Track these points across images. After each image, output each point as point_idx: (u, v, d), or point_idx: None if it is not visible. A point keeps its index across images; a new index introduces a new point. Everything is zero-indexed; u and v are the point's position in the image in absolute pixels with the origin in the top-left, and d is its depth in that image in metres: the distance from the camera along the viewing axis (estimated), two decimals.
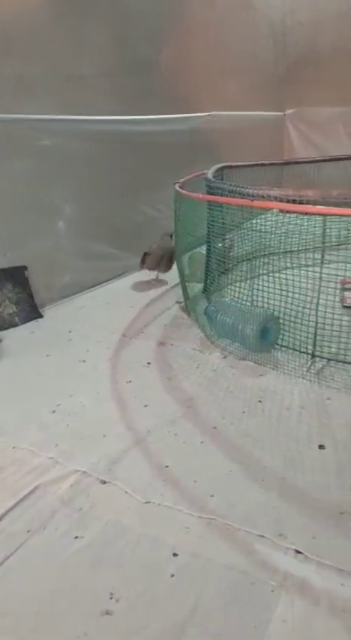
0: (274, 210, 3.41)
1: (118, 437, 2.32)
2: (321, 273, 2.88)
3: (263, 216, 3.95)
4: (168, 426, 2.39)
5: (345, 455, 2.13)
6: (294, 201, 2.77)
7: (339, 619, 1.45)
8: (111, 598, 1.53)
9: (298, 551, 1.67)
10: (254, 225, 3.90)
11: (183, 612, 1.48)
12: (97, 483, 2.02)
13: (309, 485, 1.98)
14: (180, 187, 3.59)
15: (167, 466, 2.11)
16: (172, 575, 1.60)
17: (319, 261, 3.05)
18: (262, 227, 3.89)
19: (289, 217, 3.56)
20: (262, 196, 2.82)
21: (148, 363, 3.00)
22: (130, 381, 2.80)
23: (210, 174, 3.67)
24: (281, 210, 3.09)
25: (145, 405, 2.57)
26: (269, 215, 3.75)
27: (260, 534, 1.74)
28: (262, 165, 4.91)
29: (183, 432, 2.35)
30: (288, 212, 3.23)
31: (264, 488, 1.97)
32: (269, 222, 3.76)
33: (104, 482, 2.02)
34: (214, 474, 2.05)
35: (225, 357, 3.06)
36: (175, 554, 1.67)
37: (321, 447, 2.21)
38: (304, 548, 1.67)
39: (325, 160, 5.66)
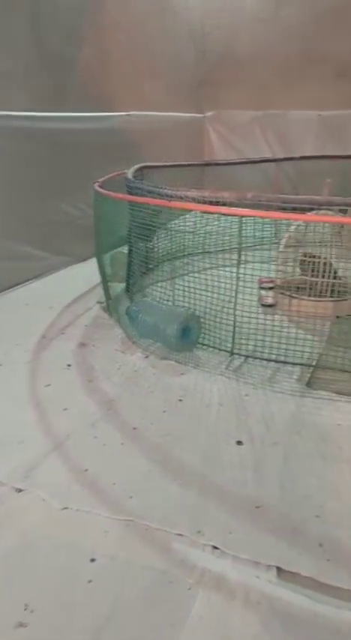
0: (197, 212, 3.47)
1: (35, 442, 2.25)
2: (238, 273, 2.95)
3: (183, 217, 4.00)
4: (88, 429, 2.35)
5: (261, 450, 2.19)
6: (210, 203, 2.83)
7: (254, 611, 1.48)
8: (25, 609, 1.49)
9: (215, 547, 1.69)
10: (175, 225, 3.95)
11: (100, 618, 1.46)
12: (12, 492, 1.95)
13: (227, 481, 2.02)
14: (100, 187, 3.55)
15: (86, 470, 2.08)
16: (90, 581, 1.58)
17: (237, 262, 3.13)
18: (183, 227, 3.95)
19: (208, 218, 3.62)
20: (180, 197, 2.85)
21: (69, 365, 2.95)
22: (49, 385, 2.74)
23: (130, 174, 3.67)
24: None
25: (65, 409, 2.52)
26: (188, 216, 3.81)
27: (178, 533, 1.75)
28: (182, 166, 4.96)
29: (103, 434, 2.32)
30: (206, 213, 3.30)
31: (183, 486, 1.99)
32: (189, 223, 3.83)
33: (20, 491, 1.96)
34: (134, 475, 2.05)
35: (147, 357, 3.06)
36: (92, 560, 1.65)
37: (239, 442, 2.26)
38: (221, 544, 1.70)
39: (243, 163, 5.81)
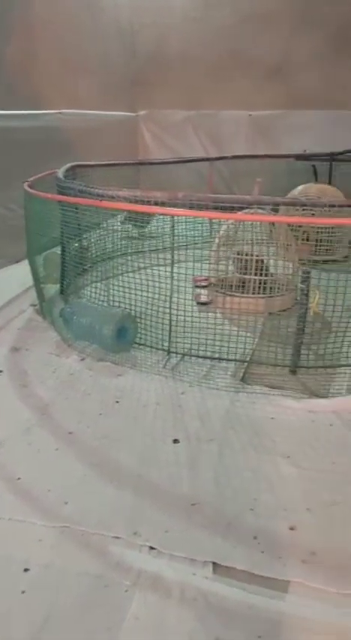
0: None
1: None
2: (172, 272, 2.96)
3: (119, 217, 3.98)
4: (21, 436, 2.30)
5: (197, 447, 2.21)
6: (142, 202, 2.82)
7: (190, 608, 1.49)
8: None
9: (151, 548, 1.70)
10: (110, 225, 3.93)
11: (35, 627, 1.43)
12: None
13: (163, 480, 2.02)
14: (29, 186, 3.47)
15: (19, 478, 2.03)
16: (23, 592, 1.54)
17: (174, 261, 3.15)
18: (118, 227, 3.93)
19: (139, 218, 3.62)
20: (111, 197, 2.83)
21: (0, 371, 2.86)
22: None
23: (60, 173, 3.60)
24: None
25: None
26: (121, 216, 3.79)
27: (115, 536, 1.74)
28: (115, 165, 4.93)
29: (37, 440, 2.27)
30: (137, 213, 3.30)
31: (119, 488, 1.98)
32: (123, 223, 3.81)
33: None
34: (69, 481, 2.01)
35: (82, 360, 3.02)
36: (26, 570, 1.61)
37: (175, 441, 2.27)
38: (157, 544, 1.70)
39: (176, 162, 5.84)
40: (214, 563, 1.63)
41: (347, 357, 2.87)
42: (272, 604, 1.49)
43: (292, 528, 1.77)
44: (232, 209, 2.92)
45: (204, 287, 3.82)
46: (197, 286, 3.79)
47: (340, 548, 1.68)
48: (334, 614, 1.45)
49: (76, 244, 3.77)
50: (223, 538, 1.73)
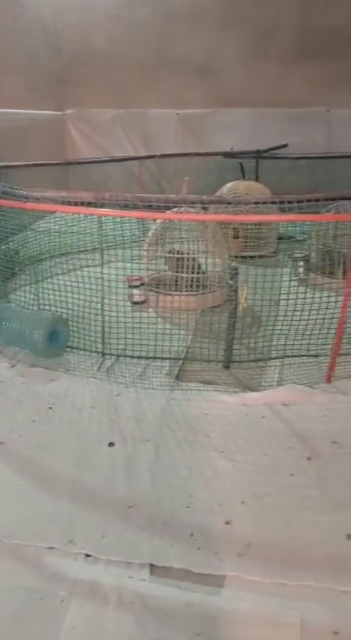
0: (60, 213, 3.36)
1: None
2: (102, 273, 2.93)
3: (47, 219, 3.90)
4: None
5: (132, 448, 2.21)
6: (69, 203, 2.77)
7: (128, 612, 1.49)
8: None
9: (87, 555, 1.67)
10: (39, 227, 3.84)
11: None
12: None
13: (99, 484, 2.00)
14: None
15: None
16: None
17: (104, 261, 3.12)
18: (47, 229, 3.85)
19: (70, 219, 3.56)
20: (36, 198, 2.76)
21: None
22: None
23: None
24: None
25: None
26: (51, 217, 3.72)
27: (49, 546, 1.70)
28: (42, 165, 4.82)
29: None
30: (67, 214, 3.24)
31: (55, 496, 1.94)
32: (50, 224, 3.73)
33: None
34: (2, 493, 1.96)
35: (13, 366, 2.94)
36: None
37: (111, 444, 2.25)
38: (93, 550, 1.68)
39: (104, 161, 5.79)
40: (151, 565, 1.63)
41: (277, 350, 2.94)
42: (209, 600, 1.51)
43: (227, 522, 1.80)
44: (159, 208, 2.92)
45: (137, 286, 3.81)
46: (131, 286, 3.77)
47: (273, 538, 1.72)
48: (269, 604, 1.48)
49: (3, 247, 3.65)
50: (159, 538, 1.73)
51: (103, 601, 1.51)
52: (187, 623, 1.45)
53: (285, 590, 1.52)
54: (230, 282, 2.77)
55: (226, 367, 2.90)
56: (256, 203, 2.91)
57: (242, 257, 4.06)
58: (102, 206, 2.76)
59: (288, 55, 6.01)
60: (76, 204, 2.74)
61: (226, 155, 6.00)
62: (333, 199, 3.41)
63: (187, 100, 6.45)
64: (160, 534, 1.74)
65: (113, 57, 6.45)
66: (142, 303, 3.71)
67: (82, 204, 2.75)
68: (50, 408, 2.53)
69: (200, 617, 1.46)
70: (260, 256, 4.50)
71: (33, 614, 1.48)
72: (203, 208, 3.68)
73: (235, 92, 6.24)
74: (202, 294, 3.63)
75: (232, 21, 6.08)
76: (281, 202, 2.68)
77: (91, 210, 2.62)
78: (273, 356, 2.96)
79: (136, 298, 3.75)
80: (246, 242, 4.60)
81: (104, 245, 3.02)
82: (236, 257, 4.05)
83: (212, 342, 2.98)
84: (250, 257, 4.37)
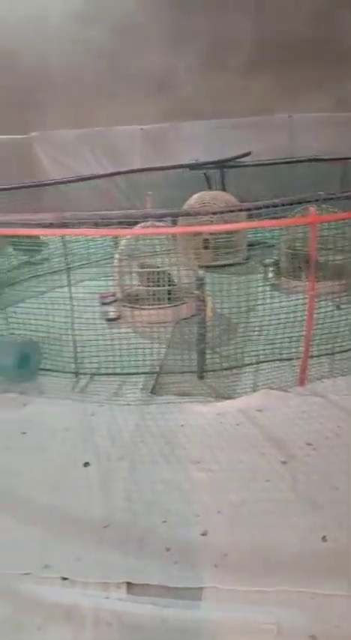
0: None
1: None
2: (70, 293, 2.93)
3: (13, 242, 3.88)
4: None
5: (107, 466, 2.19)
6: (29, 226, 2.77)
7: (105, 633, 1.47)
8: None
9: (64, 578, 1.65)
10: (4, 252, 3.82)
11: None
12: None
13: (74, 506, 1.98)
14: None
15: None
16: None
17: (74, 281, 3.11)
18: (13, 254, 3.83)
19: (32, 242, 3.55)
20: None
21: None
22: None
23: None
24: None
25: None
26: (17, 241, 3.71)
27: (24, 573, 1.68)
28: (7, 189, 4.81)
29: None
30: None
31: (29, 522, 1.91)
32: (18, 248, 3.72)
33: None
34: None
35: None
36: None
37: (86, 464, 2.23)
38: (69, 573, 1.66)
39: (69, 181, 5.80)
40: (128, 583, 1.62)
41: (251, 356, 2.96)
42: (186, 614, 1.49)
43: (203, 534, 1.79)
44: (125, 225, 2.94)
45: (110, 303, 3.80)
46: (104, 303, 3.76)
47: (249, 545, 1.72)
48: (246, 612, 1.47)
49: None
50: (135, 556, 1.71)
51: (80, 624, 1.49)
52: (165, 639, 1.43)
53: (261, 597, 1.51)
54: (196, 292, 2.78)
55: (201, 377, 2.90)
56: (215, 213, 2.93)
57: (214, 266, 4.08)
58: (64, 226, 2.77)
59: (245, 65, 6.12)
60: (37, 226, 2.74)
61: (191, 167, 6.05)
62: (299, 203, 3.46)
63: (149, 114, 6.53)
64: (136, 552, 1.73)
65: (70, 78, 6.51)
66: (117, 319, 3.70)
67: (45, 226, 2.76)
68: (23, 433, 2.50)
69: (178, 632, 1.44)
70: (232, 264, 4.53)
71: None
72: (173, 222, 3.70)
73: (195, 104, 6.33)
74: (175, 305, 3.63)
75: (185, 34, 6.20)
76: (248, 209, 2.71)
77: (52, 231, 2.62)
78: (247, 362, 2.97)
79: (111, 315, 3.74)
80: (217, 251, 4.62)
81: (72, 264, 3.01)
82: (208, 267, 4.07)
83: (185, 353, 2.98)
84: (222, 266, 4.39)
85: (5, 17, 6.27)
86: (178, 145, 6.42)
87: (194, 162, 6.04)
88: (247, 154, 5.89)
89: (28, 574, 1.67)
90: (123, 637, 1.45)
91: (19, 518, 1.93)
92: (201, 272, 2.91)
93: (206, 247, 4.64)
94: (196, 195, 5.11)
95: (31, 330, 3.06)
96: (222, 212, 2.89)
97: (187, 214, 3.11)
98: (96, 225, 2.70)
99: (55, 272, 3.59)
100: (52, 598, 1.58)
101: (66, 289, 2.98)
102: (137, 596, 1.58)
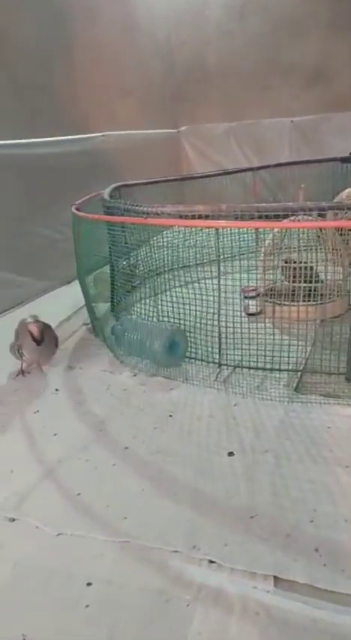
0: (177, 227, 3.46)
1: (26, 470, 2.24)
2: (219, 284, 2.97)
3: (165, 233, 4.02)
4: (79, 453, 2.35)
5: (252, 458, 2.20)
6: (186, 217, 2.85)
7: (253, 623, 1.48)
8: None
9: (211, 561, 1.69)
10: (156, 242, 3.97)
11: None
12: (5, 522, 1.94)
13: (220, 492, 2.02)
14: (77, 209, 3.57)
15: (79, 494, 2.07)
16: (87, 606, 1.57)
17: (218, 273, 3.14)
18: (165, 243, 3.97)
19: (185, 232, 3.64)
20: (156, 213, 2.87)
21: (57, 390, 2.94)
22: (38, 411, 2.73)
23: (106, 194, 3.69)
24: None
25: (55, 434, 2.51)
26: (168, 232, 3.83)
27: (174, 550, 1.74)
28: (158, 182, 5.00)
29: (95, 457, 2.32)
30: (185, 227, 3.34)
31: (176, 502, 1.99)
32: (169, 239, 3.85)
33: (13, 520, 1.95)
34: (127, 496, 2.04)
35: (135, 375, 3.06)
36: (88, 584, 1.64)
37: (230, 453, 2.26)
38: (216, 557, 1.69)
39: (218, 174, 5.86)
40: (275, 577, 1.61)
41: None
42: (337, 618, 1.45)
43: None
44: (277, 217, 2.90)
45: (253, 297, 3.80)
46: (246, 297, 3.77)
47: None
48: None
49: (125, 262, 3.83)
50: (283, 550, 1.70)
51: (228, 609, 1.51)
52: (314, 639, 1.41)
53: None
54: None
55: (349, 380, 2.78)
56: None
57: None
58: (219, 218, 2.80)
59: None
60: (193, 217, 2.81)
61: (344, 160, 5.81)
62: None
63: (301, 106, 6.37)
64: (283, 547, 1.71)
65: (225, 71, 6.55)
66: (258, 314, 3.69)
67: (200, 217, 2.82)
68: (170, 415, 2.60)
69: (328, 635, 1.41)
70: None
71: (159, 615, 1.52)
72: (320, 215, 3.59)
73: (349, 95, 6.04)
74: (321, 303, 3.53)
75: (343, 24, 5.92)
76: None
77: (208, 222, 2.67)
78: None
79: (252, 309, 3.74)
80: None
81: (221, 257, 3.04)
82: None
83: (333, 353, 2.88)
84: None
85: (163, 9, 6.47)
86: (329, 138, 6.19)
87: (347, 155, 5.80)
88: None
89: (177, 551, 1.74)
90: (270, 630, 1.44)
91: (168, 497, 2.01)
92: None
93: None
94: (347, 190, 4.91)
95: (178, 318, 3.15)
96: None
97: (350, 208, 2.98)
98: (251, 217, 2.69)
99: (204, 263, 3.66)
100: (200, 579, 1.63)
101: (212, 280, 3.02)
102: (285, 591, 1.57)
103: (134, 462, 2.26)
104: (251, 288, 3.78)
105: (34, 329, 2.96)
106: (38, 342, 2.95)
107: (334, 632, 1.41)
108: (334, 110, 6.13)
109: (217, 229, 2.84)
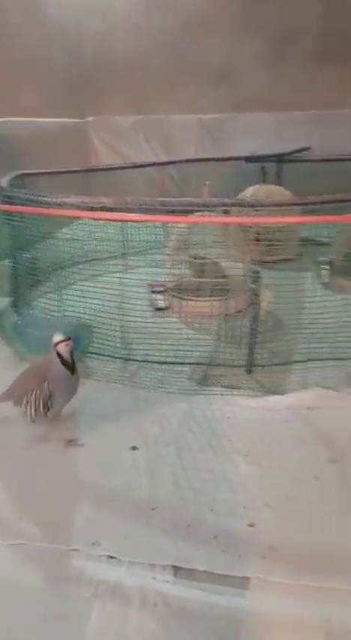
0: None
1: None
2: (124, 279, 2.95)
3: (70, 225, 3.93)
4: None
5: (154, 451, 2.21)
6: (90, 209, 2.80)
7: (151, 613, 1.49)
8: None
9: (111, 557, 1.68)
10: (63, 234, 3.87)
11: None
12: None
13: (122, 487, 2.01)
14: None
15: None
16: None
17: (127, 267, 3.13)
18: (69, 236, 3.88)
19: (90, 225, 3.58)
20: (58, 204, 2.80)
21: None
22: None
23: (4, 182, 3.53)
24: None
25: None
26: (74, 225, 3.75)
27: (74, 548, 1.71)
28: (62, 172, 4.88)
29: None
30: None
31: (79, 499, 1.95)
32: (75, 231, 3.77)
33: None
34: (26, 495, 1.97)
35: None
36: None
37: (134, 448, 2.25)
38: (116, 552, 1.69)
39: (125, 167, 5.83)
40: (174, 567, 1.63)
41: (301, 354, 2.91)
42: (233, 602, 1.50)
43: (251, 525, 1.79)
44: (182, 212, 2.92)
45: (160, 292, 3.81)
46: (153, 292, 3.77)
47: (296, 540, 1.71)
48: (292, 607, 1.47)
49: (27, 255, 3.70)
50: (183, 540, 1.72)
51: (126, 602, 1.51)
52: (211, 625, 1.44)
53: (309, 593, 1.50)
54: (252, 285, 2.75)
55: (249, 371, 2.88)
56: (277, 205, 2.89)
57: (266, 261, 4.03)
58: (124, 211, 2.78)
59: (309, 58, 5.98)
60: (97, 209, 2.77)
61: (248, 159, 5.98)
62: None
63: (208, 105, 6.46)
64: (184, 536, 1.74)
65: (133, 64, 6.50)
66: (166, 309, 3.71)
67: (104, 209, 2.78)
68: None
69: (224, 619, 1.45)
70: (284, 260, 4.46)
71: (57, 615, 1.49)
72: (224, 212, 3.67)
73: (255, 96, 6.22)
74: (226, 298, 3.61)
75: (251, 25, 6.08)
76: (304, 204, 2.67)
77: (114, 215, 2.64)
78: (297, 359, 2.93)
79: (160, 304, 3.75)
80: (269, 246, 4.56)
81: (127, 251, 3.03)
82: (259, 262, 4.02)
83: (235, 346, 2.96)
84: (273, 261, 4.33)
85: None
86: (234, 137, 6.34)
87: (250, 154, 5.98)
88: (306, 149, 5.78)
89: (77, 550, 1.71)
90: (169, 619, 1.46)
91: (70, 494, 1.97)
92: (255, 266, 2.89)
93: (258, 240, 4.58)
94: (250, 189, 5.06)
95: (83, 313, 3.09)
96: (281, 205, 2.84)
97: (251, 205, 3.07)
98: (158, 212, 2.69)
99: (110, 257, 3.62)
100: (99, 575, 1.62)
101: (118, 274, 2.99)
102: (184, 580, 1.59)
103: (33, 459, 2.19)
104: (159, 283, 3.79)
105: (66, 350, 2.25)
106: (72, 368, 2.27)
107: (229, 615, 1.46)
108: (240, 110, 6.29)
109: (122, 223, 2.81)
